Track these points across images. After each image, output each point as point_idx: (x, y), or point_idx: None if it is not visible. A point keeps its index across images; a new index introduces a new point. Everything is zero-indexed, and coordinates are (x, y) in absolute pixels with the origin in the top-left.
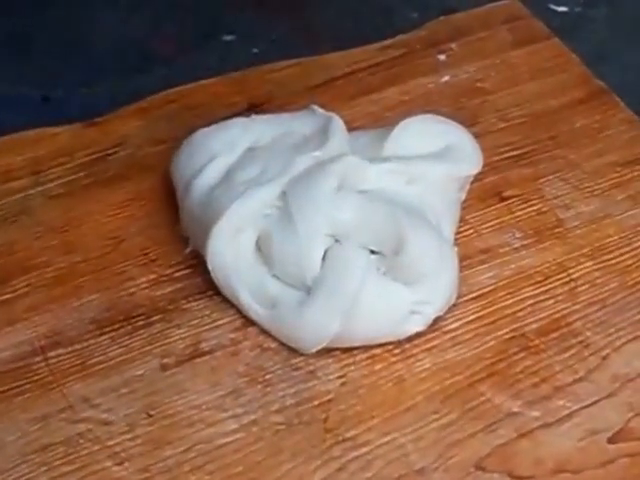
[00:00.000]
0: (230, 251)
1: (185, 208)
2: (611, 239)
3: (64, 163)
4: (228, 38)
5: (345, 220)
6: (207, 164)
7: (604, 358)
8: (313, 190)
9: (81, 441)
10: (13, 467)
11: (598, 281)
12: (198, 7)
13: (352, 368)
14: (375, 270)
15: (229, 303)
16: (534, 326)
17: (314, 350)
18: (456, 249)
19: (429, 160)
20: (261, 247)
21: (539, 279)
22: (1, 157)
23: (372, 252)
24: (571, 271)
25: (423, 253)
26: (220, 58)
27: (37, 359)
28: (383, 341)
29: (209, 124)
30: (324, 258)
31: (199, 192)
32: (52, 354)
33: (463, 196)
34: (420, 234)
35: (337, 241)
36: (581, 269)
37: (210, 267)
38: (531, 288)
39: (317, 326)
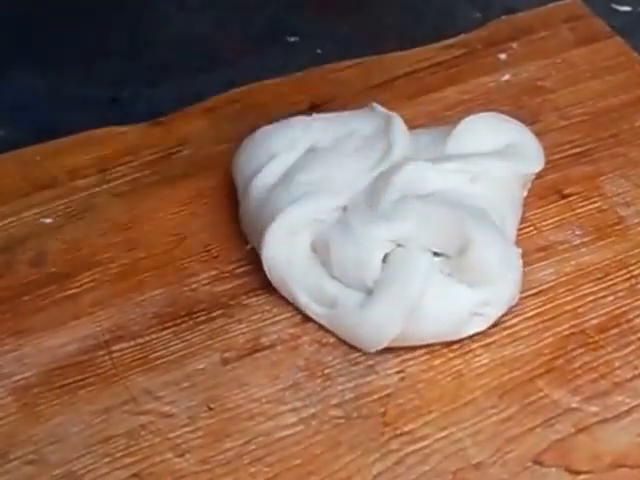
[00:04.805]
0: (285, 252)
1: (244, 206)
2: None
3: (129, 162)
4: (292, 39)
5: (406, 229)
6: (267, 163)
7: None
8: (373, 204)
9: (143, 433)
10: (77, 457)
11: None
12: (262, 8)
13: (411, 363)
14: (438, 272)
15: (288, 299)
16: (594, 322)
17: (374, 350)
18: (519, 249)
19: (492, 158)
20: (317, 250)
21: (599, 276)
22: (69, 156)
23: (436, 254)
24: (631, 268)
25: (488, 254)
26: (284, 59)
27: (101, 352)
28: (443, 341)
29: (271, 123)
30: (385, 260)
31: (258, 191)
32: (116, 348)
33: (525, 194)
34: (485, 235)
35: (399, 245)
36: None
37: (265, 267)
38: (591, 285)
39: (378, 328)
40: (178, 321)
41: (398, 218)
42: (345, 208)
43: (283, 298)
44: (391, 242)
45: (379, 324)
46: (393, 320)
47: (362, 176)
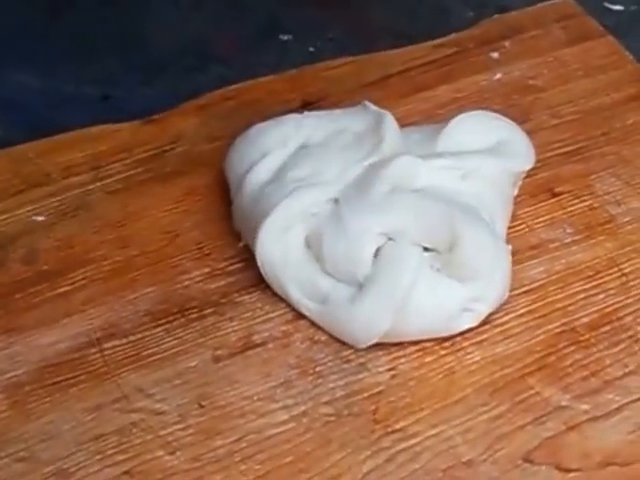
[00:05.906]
0: (278, 248)
1: (237, 203)
2: None
3: (123, 159)
4: (285, 37)
5: (397, 222)
6: (260, 160)
7: None
8: (364, 196)
9: (134, 430)
10: (68, 455)
11: None
12: (256, 7)
13: (402, 361)
14: (428, 267)
15: (281, 296)
16: (585, 320)
17: (365, 346)
18: (509, 245)
19: (483, 155)
20: (310, 244)
21: (590, 274)
22: (62, 153)
23: (426, 249)
24: (622, 266)
25: (477, 250)
26: (277, 57)
27: (93, 350)
28: (433, 337)
29: (264, 121)
30: (377, 255)
31: (251, 188)
32: (107, 345)
33: (515, 192)
34: (474, 231)
35: (390, 239)
36: (632, 264)
37: (259, 263)
38: (582, 283)
39: (369, 323)
40: (170, 319)
41: (388, 210)
42: (337, 200)
43: (275, 296)
44: (382, 235)
45: (369, 319)
46: (383, 315)
47: (352, 168)
